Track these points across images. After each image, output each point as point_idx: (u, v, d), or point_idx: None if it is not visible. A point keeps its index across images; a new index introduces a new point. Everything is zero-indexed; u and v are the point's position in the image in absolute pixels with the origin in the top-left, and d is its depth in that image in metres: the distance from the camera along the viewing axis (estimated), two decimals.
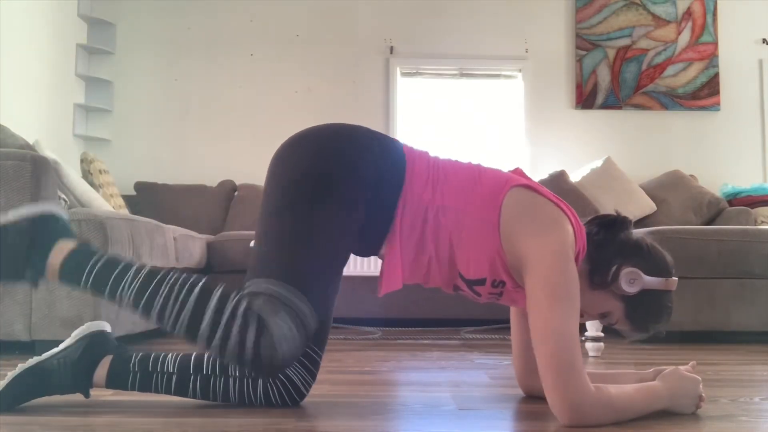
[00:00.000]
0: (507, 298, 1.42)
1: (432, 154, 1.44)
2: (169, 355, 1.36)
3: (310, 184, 1.29)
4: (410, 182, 1.34)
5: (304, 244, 1.26)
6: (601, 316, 1.42)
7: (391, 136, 4.67)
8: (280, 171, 1.33)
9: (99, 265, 1.23)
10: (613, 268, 1.36)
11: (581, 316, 1.42)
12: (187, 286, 1.22)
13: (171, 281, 1.22)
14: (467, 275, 1.36)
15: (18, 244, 1.22)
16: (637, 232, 1.46)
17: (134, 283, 1.21)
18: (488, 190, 1.34)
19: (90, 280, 1.22)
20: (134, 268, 1.23)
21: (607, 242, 1.40)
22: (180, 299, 1.20)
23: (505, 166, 1.50)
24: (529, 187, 1.36)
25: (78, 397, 1.37)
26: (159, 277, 1.23)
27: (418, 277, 1.40)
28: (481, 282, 1.36)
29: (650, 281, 1.35)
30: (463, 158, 1.46)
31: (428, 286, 1.43)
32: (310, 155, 1.32)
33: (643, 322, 1.39)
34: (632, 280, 1.35)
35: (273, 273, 1.24)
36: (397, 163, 1.35)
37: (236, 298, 1.22)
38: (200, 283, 1.23)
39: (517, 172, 1.46)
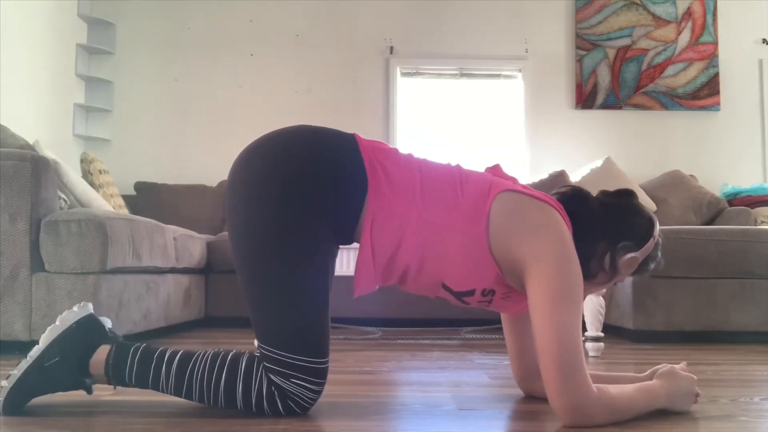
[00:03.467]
0: (496, 305, 1.41)
1: (403, 152, 1.38)
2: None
3: (269, 238, 1.25)
4: (376, 192, 1.28)
5: (291, 308, 1.26)
6: (614, 284, 1.45)
7: (390, 137, 4.69)
8: (236, 216, 1.30)
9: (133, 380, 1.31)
10: (607, 258, 1.37)
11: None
12: (215, 374, 1.28)
13: (199, 370, 1.28)
14: (455, 288, 1.34)
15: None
16: (598, 198, 1.44)
17: (169, 380, 1.29)
18: (472, 202, 1.29)
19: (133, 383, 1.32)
20: (164, 368, 1.29)
21: (584, 230, 1.35)
22: (212, 388, 1.28)
23: (489, 164, 1.46)
24: (513, 190, 1.32)
25: (79, 396, 1.37)
26: (189, 371, 1.28)
27: (393, 280, 1.37)
28: (470, 293, 1.34)
29: (645, 252, 1.38)
30: (441, 159, 1.41)
31: (405, 290, 1.40)
32: (265, 207, 1.26)
33: (644, 270, 1.43)
34: (631, 263, 1.37)
35: (275, 343, 1.26)
36: (355, 180, 1.29)
37: (258, 373, 1.27)
38: (225, 366, 1.28)
39: (496, 170, 1.42)
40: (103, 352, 1.31)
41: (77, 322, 1.33)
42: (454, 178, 1.33)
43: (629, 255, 1.35)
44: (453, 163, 1.40)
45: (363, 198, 1.29)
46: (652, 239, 1.38)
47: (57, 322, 1.33)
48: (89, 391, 1.33)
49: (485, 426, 1.27)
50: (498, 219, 1.28)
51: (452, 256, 1.29)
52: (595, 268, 1.37)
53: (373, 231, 1.29)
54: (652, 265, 1.43)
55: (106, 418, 1.28)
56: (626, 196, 1.44)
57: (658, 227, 1.42)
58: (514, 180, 1.41)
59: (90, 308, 1.37)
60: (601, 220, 1.39)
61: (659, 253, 1.43)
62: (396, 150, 1.37)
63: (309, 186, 1.27)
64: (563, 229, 1.28)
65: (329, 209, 1.28)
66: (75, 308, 1.35)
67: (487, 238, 1.28)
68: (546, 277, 1.23)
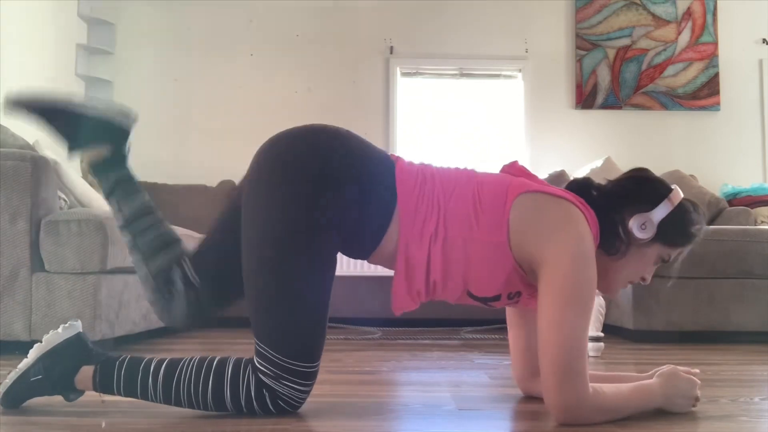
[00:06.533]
0: (523, 303, 1.41)
1: (422, 162, 1.39)
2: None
3: (287, 238, 1.24)
4: (405, 220, 1.29)
5: (291, 314, 1.26)
6: (655, 265, 1.39)
7: (390, 137, 4.68)
8: (256, 214, 1.28)
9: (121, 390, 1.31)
10: (620, 230, 1.33)
11: (643, 280, 1.40)
12: (202, 381, 1.27)
13: (186, 379, 1.28)
14: (481, 295, 1.34)
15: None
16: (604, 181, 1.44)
17: (157, 391, 1.29)
18: (491, 210, 1.29)
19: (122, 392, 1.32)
20: (150, 380, 1.28)
21: (603, 211, 1.36)
22: (200, 395, 1.28)
23: (506, 162, 1.45)
24: (531, 190, 1.31)
25: (81, 396, 1.37)
26: (175, 380, 1.28)
27: (429, 297, 1.38)
28: (496, 298, 1.35)
29: (658, 213, 1.33)
30: (458, 165, 1.41)
31: (430, 299, 1.41)
32: (283, 205, 1.26)
33: (687, 237, 1.37)
34: (643, 225, 1.32)
35: (271, 344, 1.26)
36: (384, 202, 1.30)
37: (245, 376, 1.27)
38: (211, 372, 1.28)
39: (513, 167, 1.41)
40: (87, 371, 1.31)
41: (60, 344, 1.34)
42: (471, 188, 1.32)
43: (636, 216, 1.32)
44: (467, 168, 1.40)
45: (386, 224, 1.29)
46: (667, 201, 1.34)
47: (42, 342, 1.35)
48: (69, 400, 1.35)
49: (485, 426, 1.27)
50: (518, 223, 1.28)
51: (475, 265, 1.29)
52: (614, 249, 1.35)
53: (407, 260, 1.29)
54: (691, 230, 1.36)
55: (106, 418, 1.28)
56: (635, 170, 1.44)
57: (678, 191, 1.37)
58: (533, 176, 1.39)
59: (78, 327, 1.38)
60: (607, 198, 1.38)
61: (694, 216, 1.37)
62: (422, 167, 1.36)
63: (333, 199, 1.26)
64: (582, 227, 1.26)
65: (349, 227, 1.28)
66: (60, 329, 1.36)
67: (509, 245, 1.28)
68: (559, 276, 1.22)
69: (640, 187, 1.38)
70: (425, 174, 1.34)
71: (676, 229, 1.35)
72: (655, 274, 1.44)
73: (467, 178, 1.35)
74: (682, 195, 1.37)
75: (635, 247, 1.35)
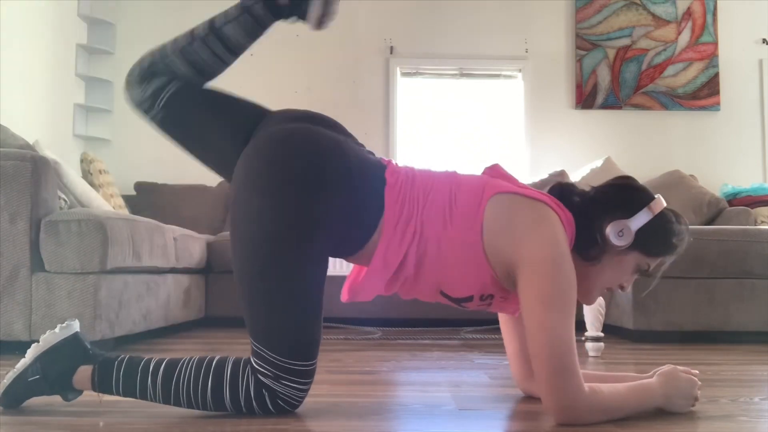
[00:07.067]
0: (495, 307, 1.41)
1: (406, 165, 1.39)
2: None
3: (279, 237, 1.24)
4: (390, 219, 1.29)
5: (286, 313, 1.26)
6: (634, 274, 1.38)
7: (390, 137, 4.68)
8: (246, 212, 1.27)
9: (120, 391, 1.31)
10: (597, 236, 1.33)
11: (621, 288, 1.39)
12: (201, 381, 1.28)
13: (185, 378, 1.28)
14: (453, 295, 1.34)
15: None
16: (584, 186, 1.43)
17: (156, 390, 1.29)
18: (466, 209, 1.29)
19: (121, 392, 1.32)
20: (149, 380, 1.28)
21: (582, 216, 1.35)
22: (199, 395, 1.28)
23: (487, 165, 1.44)
24: (506, 191, 1.31)
25: (80, 396, 1.37)
26: (174, 380, 1.28)
27: (393, 290, 1.37)
28: (469, 299, 1.35)
29: (636, 221, 1.31)
30: (438, 167, 1.41)
31: (402, 297, 1.41)
32: (275, 203, 1.25)
33: (667, 248, 1.35)
34: (620, 232, 1.31)
35: (267, 344, 1.26)
36: (374, 208, 1.30)
37: (244, 377, 1.27)
38: (211, 372, 1.28)
39: (494, 169, 1.41)
40: (85, 371, 1.31)
41: (58, 344, 1.33)
42: (448, 188, 1.33)
43: (612, 223, 1.31)
44: (449, 170, 1.40)
45: (374, 227, 1.29)
46: (647, 209, 1.32)
47: (40, 341, 1.35)
48: (67, 400, 1.35)
49: (485, 426, 1.27)
50: (491, 223, 1.28)
51: (448, 264, 1.29)
52: (591, 255, 1.34)
53: (385, 259, 1.29)
54: (672, 240, 1.34)
55: (106, 418, 1.28)
56: (619, 178, 1.43)
57: (661, 201, 1.35)
58: (512, 179, 1.40)
59: (75, 327, 1.37)
60: (585, 204, 1.38)
61: (675, 227, 1.35)
62: (407, 169, 1.37)
63: (325, 199, 1.27)
64: (556, 228, 1.27)
65: (339, 227, 1.29)
66: (57, 329, 1.35)
67: (482, 245, 1.28)
68: (537, 278, 1.23)
69: (621, 195, 1.38)
70: (408, 176, 1.35)
71: (656, 238, 1.34)
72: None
73: (446, 179, 1.35)
74: (664, 204, 1.36)
75: (613, 254, 1.34)
